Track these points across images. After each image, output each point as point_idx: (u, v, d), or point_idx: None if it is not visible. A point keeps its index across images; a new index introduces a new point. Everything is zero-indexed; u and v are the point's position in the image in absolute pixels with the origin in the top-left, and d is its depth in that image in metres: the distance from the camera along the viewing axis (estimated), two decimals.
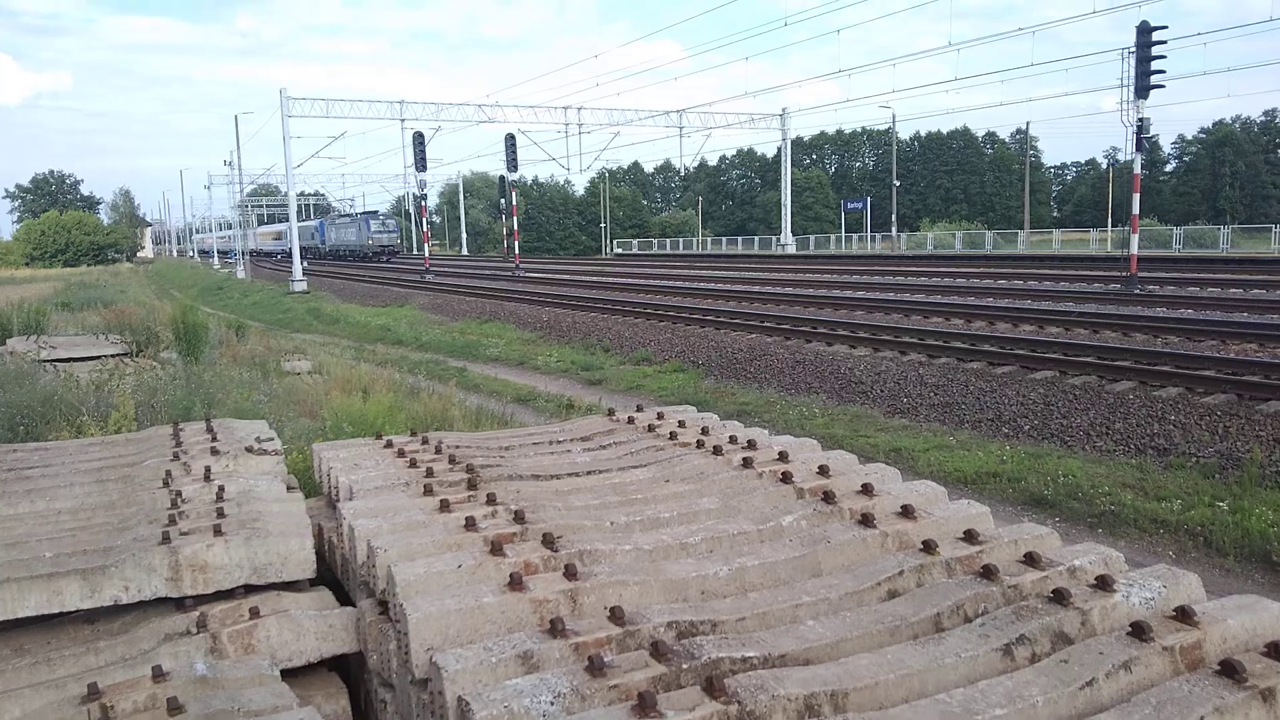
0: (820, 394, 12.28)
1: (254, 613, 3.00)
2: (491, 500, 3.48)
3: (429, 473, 3.92)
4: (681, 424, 4.97)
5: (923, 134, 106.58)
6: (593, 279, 35.04)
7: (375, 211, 74.60)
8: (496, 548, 2.95)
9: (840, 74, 79.10)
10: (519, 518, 3.25)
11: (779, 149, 59.74)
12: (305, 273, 41.16)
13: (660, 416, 5.18)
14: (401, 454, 4.33)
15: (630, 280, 32.97)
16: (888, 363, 12.87)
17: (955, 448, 9.10)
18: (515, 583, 2.66)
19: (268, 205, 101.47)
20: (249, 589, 3.18)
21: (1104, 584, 2.80)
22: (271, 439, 4.82)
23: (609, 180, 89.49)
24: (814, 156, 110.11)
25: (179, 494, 3.73)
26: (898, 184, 68.46)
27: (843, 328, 16.08)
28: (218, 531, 3.24)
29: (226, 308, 31.94)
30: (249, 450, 4.53)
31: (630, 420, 5.14)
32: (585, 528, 3.24)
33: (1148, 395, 9.93)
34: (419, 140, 41.39)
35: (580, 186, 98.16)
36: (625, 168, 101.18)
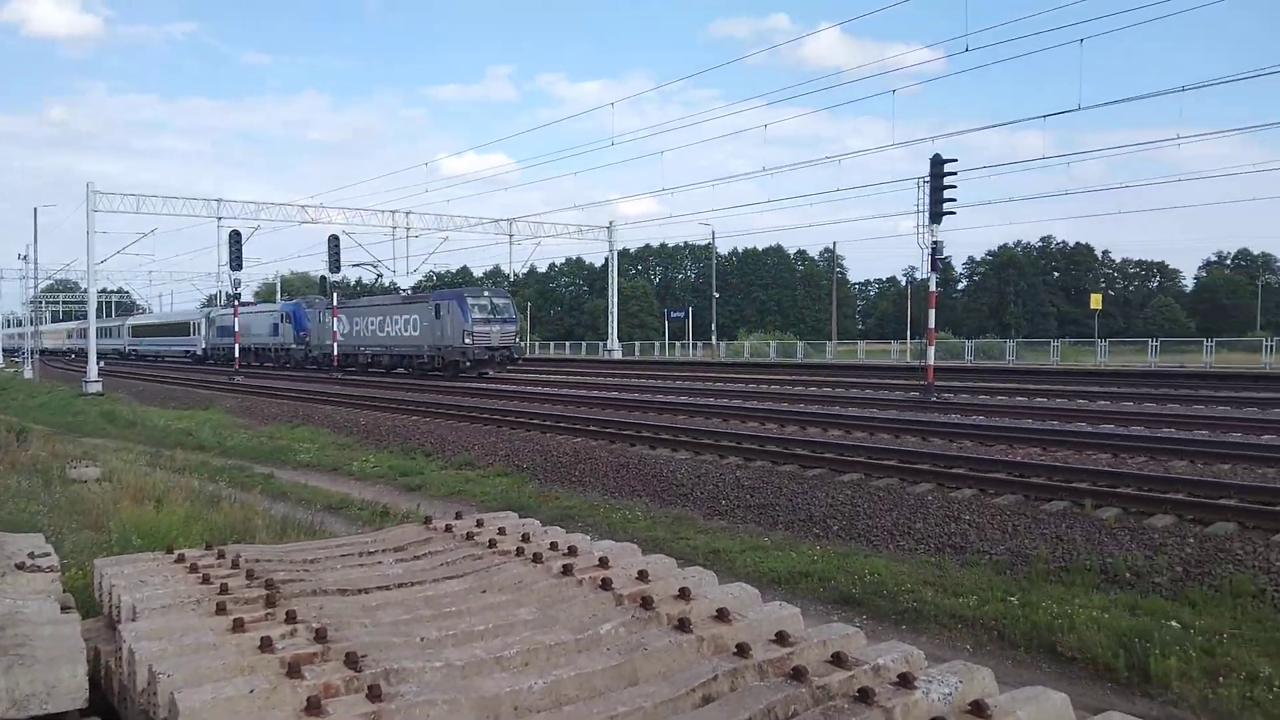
0: (643, 497, 12.37)
1: None
2: (291, 618, 3.27)
3: (223, 589, 3.66)
4: (501, 531, 4.88)
5: (740, 250, 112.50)
6: (415, 381, 34.32)
7: (477, 285, 41.23)
8: (294, 669, 2.77)
9: (663, 192, 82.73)
10: (320, 636, 3.07)
11: (606, 259, 61.28)
12: (102, 373, 38.41)
13: (479, 524, 5.07)
14: (194, 569, 4.03)
15: (453, 383, 32.52)
16: (708, 466, 13.16)
17: (770, 548, 9.34)
18: (313, 707, 2.50)
19: (65, 302, 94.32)
20: None
21: (906, 681, 2.91)
22: (47, 554, 4.39)
23: (436, 284, 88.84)
24: (640, 267, 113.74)
25: None
26: (717, 295, 71.41)
27: (666, 431, 16.36)
28: None
29: (10, 409, 29.22)
30: (20, 567, 4.10)
31: (448, 528, 5.00)
32: (393, 644, 3.09)
33: (945, 496, 10.55)
34: (235, 238, 39.95)
35: (406, 289, 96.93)
36: (454, 271, 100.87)
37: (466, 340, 33.43)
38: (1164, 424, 16.36)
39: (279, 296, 75.82)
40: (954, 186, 24.87)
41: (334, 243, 42.18)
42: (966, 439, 14.53)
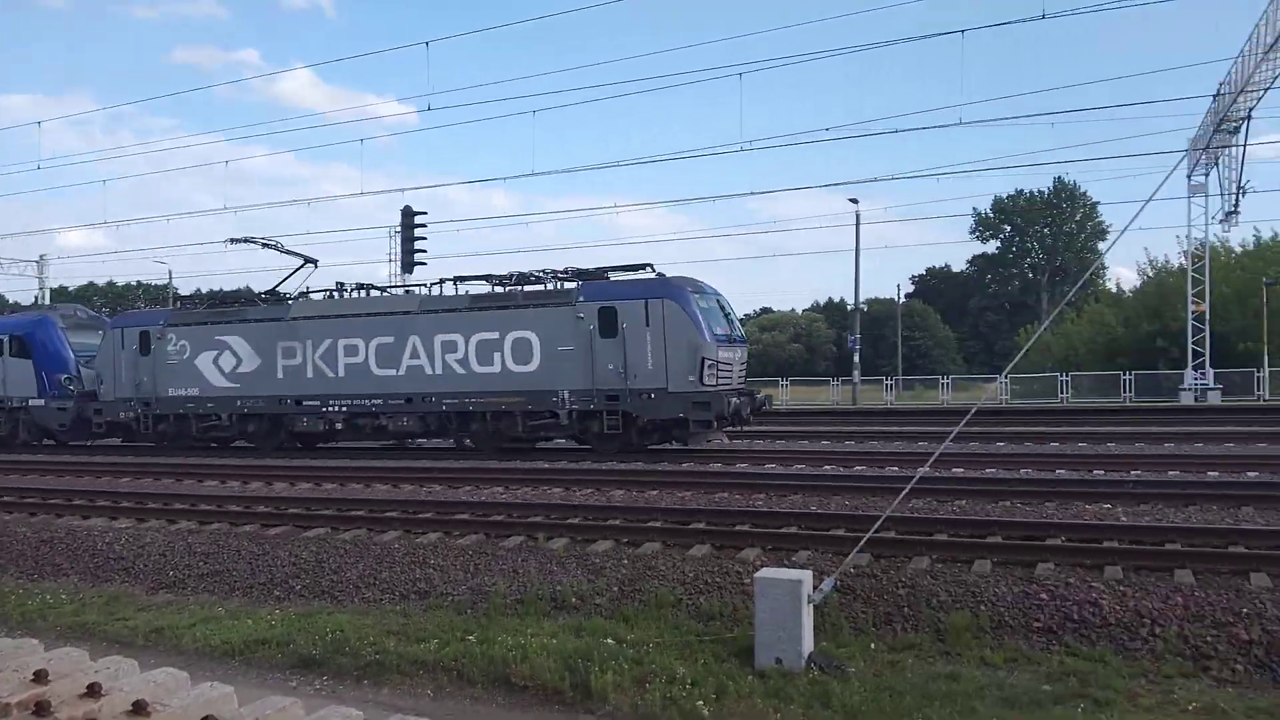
0: (72, 576, 10.76)
1: None
2: None
3: None
4: None
5: (205, 291, 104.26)
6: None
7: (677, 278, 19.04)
8: None
9: (109, 224, 73.65)
10: None
11: (36, 298, 52.80)
12: None
13: None
14: None
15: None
16: (153, 533, 11.81)
17: (225, 618, 8.66)
18: None
19: None
20: None
21: None
22: None
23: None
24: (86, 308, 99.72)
25: None
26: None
27: (103, 497, 14.41)
28: None
29: None
30: None
31: None
32: None
33: (411, 542, 10.65)
34: None
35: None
36: None
37: (707, 378, 17.77)
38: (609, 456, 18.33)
39: None
40: (425, 238, 25.79)
41: None
42: (436, 483, 14.88)
